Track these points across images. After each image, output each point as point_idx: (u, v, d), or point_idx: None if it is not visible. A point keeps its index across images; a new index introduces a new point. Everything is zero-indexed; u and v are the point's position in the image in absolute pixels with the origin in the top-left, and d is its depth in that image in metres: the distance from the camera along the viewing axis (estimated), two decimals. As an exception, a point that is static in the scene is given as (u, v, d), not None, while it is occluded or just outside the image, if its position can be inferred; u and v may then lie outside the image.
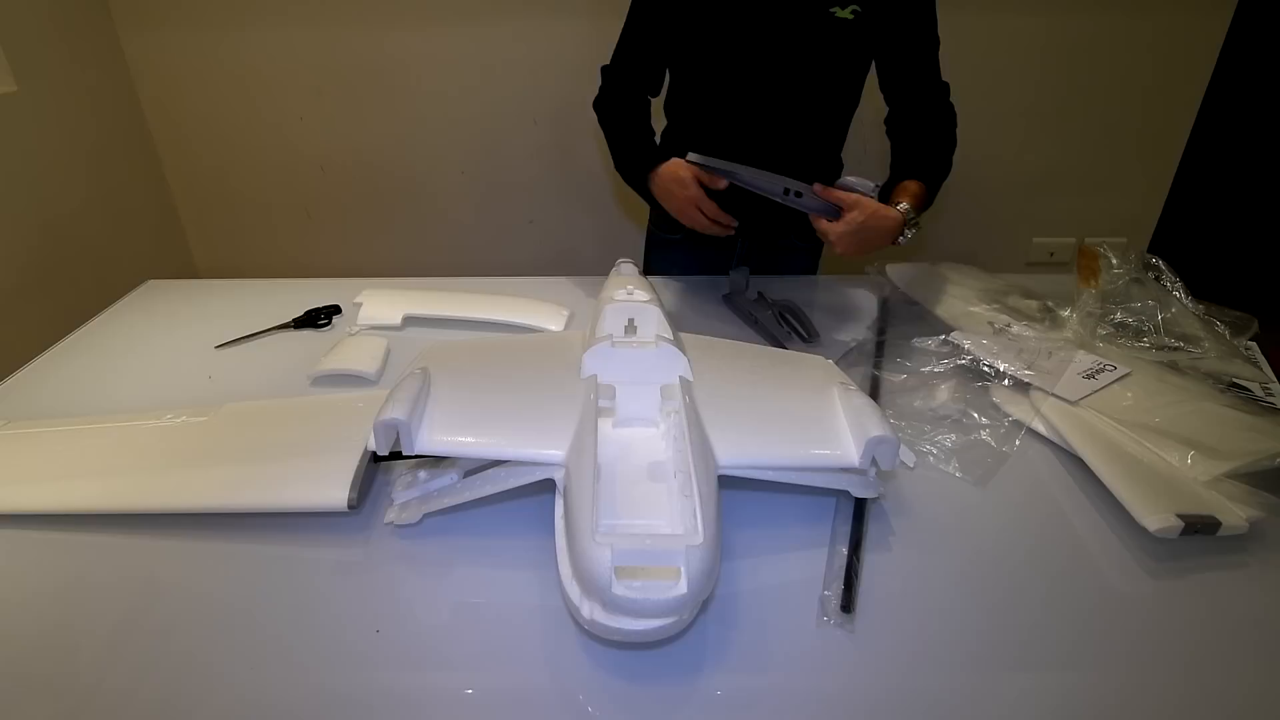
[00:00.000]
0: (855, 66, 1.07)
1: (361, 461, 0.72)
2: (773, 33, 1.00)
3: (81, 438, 0.82)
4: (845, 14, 0.96)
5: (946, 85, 1.10)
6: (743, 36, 1.02)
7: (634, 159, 1.07)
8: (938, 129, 1.09)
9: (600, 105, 1.14)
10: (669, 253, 1.29)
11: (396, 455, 0.66)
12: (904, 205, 0.97)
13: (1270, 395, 0.85)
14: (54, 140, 1.60)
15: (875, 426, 0.65)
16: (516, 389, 0.75)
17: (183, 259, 2.05)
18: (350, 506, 0.68)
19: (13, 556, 0.68)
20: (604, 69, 1.14)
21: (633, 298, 0.82)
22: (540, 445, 0.64)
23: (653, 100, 1.16)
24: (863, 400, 0.70)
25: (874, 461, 0.66)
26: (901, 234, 0.97)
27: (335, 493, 0.68)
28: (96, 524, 0.71)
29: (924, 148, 1.07)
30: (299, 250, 2.06)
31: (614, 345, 0.73)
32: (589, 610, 0.53)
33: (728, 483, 0.65)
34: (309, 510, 0.70)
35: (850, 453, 0.66)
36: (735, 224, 1.01)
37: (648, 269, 1.32)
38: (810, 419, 0.71)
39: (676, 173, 0.98)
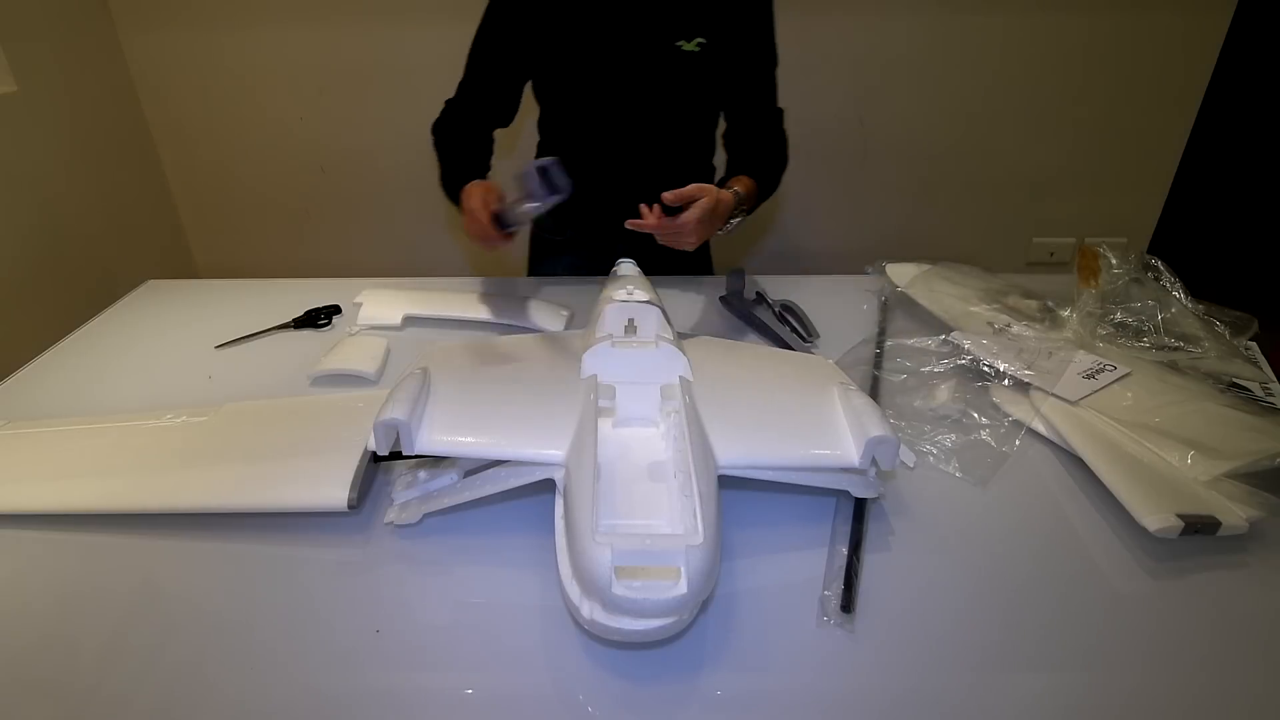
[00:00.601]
0: (705, 94, 1.08)
1: (361, 462, 0.72)
2: (619, 66, 1.01)
3: (81, 438, 0.82)
4: (690, 47, 0.96)
5: (781, 111, 1.14)
6: (590, 70, 1.03)
7: (454, 187, 1.04)
8: (770, 148, 1.12)
9: (437, 130, 1.11)
10: (554, 254, 1.31)
11: (396, 455, 0.66)
12: (736, 189, 0.97)
13: (1270, 395, 0.85)
14: (54, 140, 1.60)
15: (875, 426, 0.65)
16: (516, 389, 0.75)
17: (183, 259, 2.05)
18: (350, 507, 0.68)
19: (13, 557, 0.68)
20: (448, 102, 1.12)
21: (633, 298, 0.83)
22: (540, 445, 0.64)
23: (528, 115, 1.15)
24: (863, 400, 0.70)
25: (874, 462, 0.66)
26: (729, 220, 0.96)
27: (335, 493, 0.69)
28: (96, 524, 0.71)
29: (756, 162, 1.08)
30: (299, 250, 2.06)
31: (614, 345, 0.73)
32: (589, 610, 0.53)
33: (728, 483, 0.65)
34: (309, 510, 0.70)
35: (850, 452, 0.66)
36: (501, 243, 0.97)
37: (533, 271, 1.34)
38: (810, 419, 0.71)
39: (469, 204, 0.95)
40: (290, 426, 0.82)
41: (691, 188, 0.91)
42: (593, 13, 0.95)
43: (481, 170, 1.09)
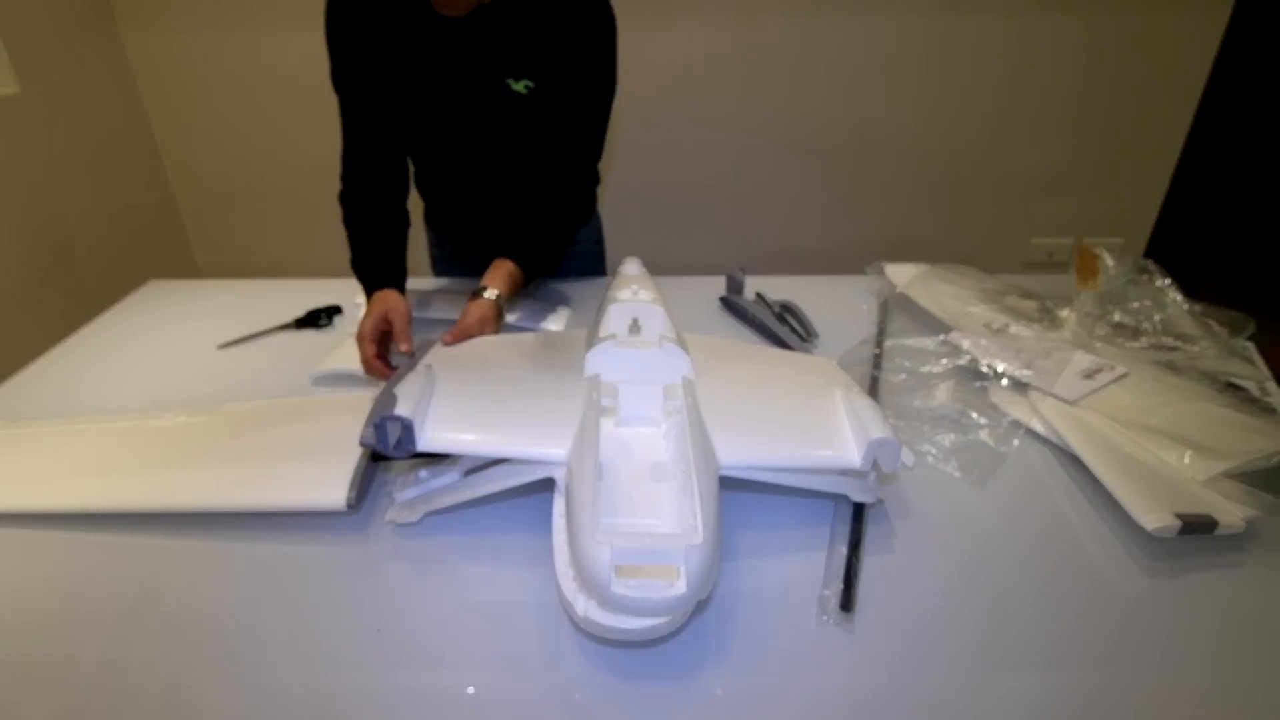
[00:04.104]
0: (537, 135, 1.03)
1: (361, 461, 0.72)
2: (454, 105, 1.00)
3: (82, 438, 0.82)
4: (519, 88, 0.96)
5: (594, 175, 1.11)
6: (429, 111, 1.02)
7: (363, 273, 1.01)
8: (553, 212, 1.06)
9: (343, 202, 1.05)
10: (440, 265, 1.33)
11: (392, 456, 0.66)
12: (492, 292, 0.93)
13: (1267, 395, 0.85)
14: (57, 141, 1.61)
15: (877, 428, 0.65)
16: (520, 387, 0.76)
17: (184, 259, 2.05)
18: (349, 506, 0.69)
19: (13, 557, 0.69)
20: (341, 176, 1.07)
21: (637, 297, 0.83)
22: (542, 444, 0.65)
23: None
24: (865, 402, 0.71)
25: (875, 464, 0.66)
26: (500, 318, 0.94)
27: (334, 493, 0.69)
28: (97, 525, 0.71)
29: (531, 229, 1.03)
30: (300, 250, 2.06)
31: (618, 345, 0.74)
32: (583, 608, 0.53)
33: (728, 483, 0.65)
34: (308, 510, 0.70)
35: (851, 454, 0.66)
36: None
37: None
38: (812, 420, 0.71)
39: (362, 329, 0.91)
40: (290, 426, 0.82)
41: (470, 327, 0.90)
42: (428, 50, 0.94)
43: (392, 249, 1.04)
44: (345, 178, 1.04)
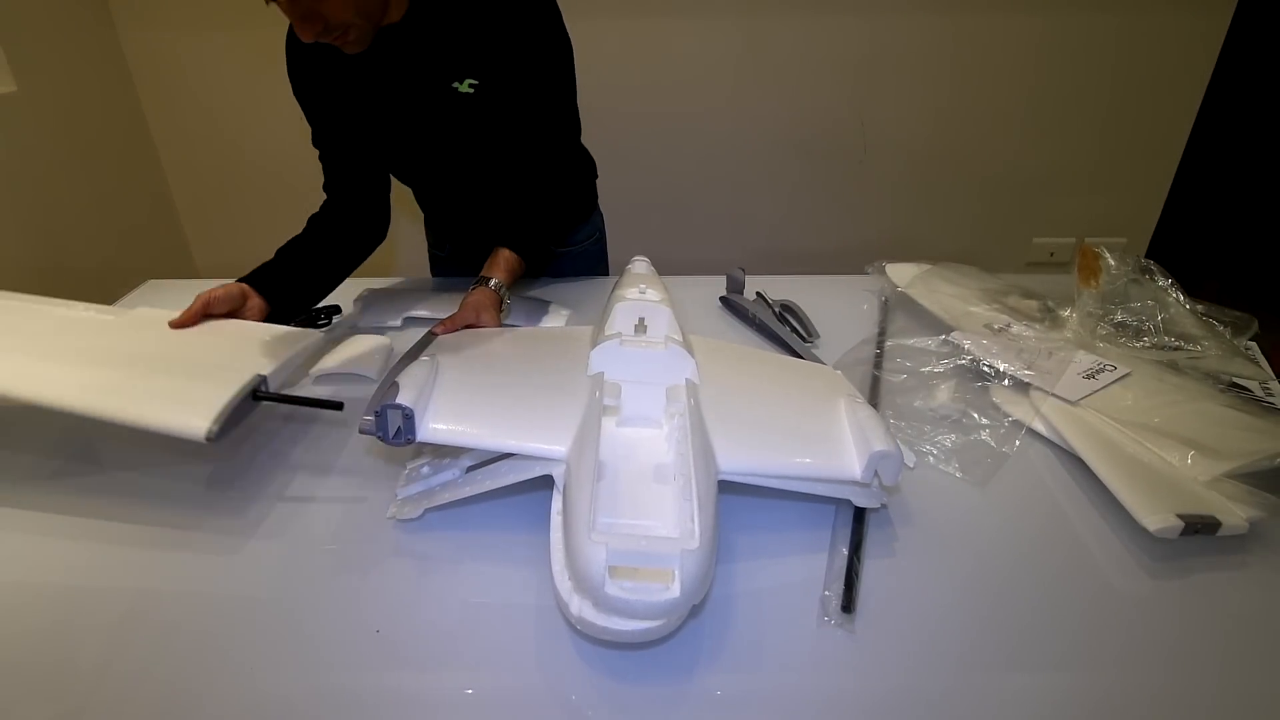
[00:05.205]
0: (488, 134, 1.03)
1: (237, 395, 0.70)
2: (408, 119, 1.00)
3: None
4: (464, 89, 0.95)
5: (580, 152, 1.12)
6: (386, 132, 1.03)
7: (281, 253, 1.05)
8: (542, 194, 1.06)
9: (309, 222, 1.11)
10: (442, 267, 1.36)
11: (275, 397, 0.69)
12: (494, 281, 0.95)
13: (1270, 395, 0.85)
14: (54, 140, 1.60)
15: (879, 441, 0.64)
16: (523, 382, 0.75)
17: (183, 259, 2.05)
18: (208, 439, 0.66)
19: (13, 556, 0.68)
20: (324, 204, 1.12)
21: (645, 297, 0.82)
22: (543, 440, 0.64)
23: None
24: (869, 414, 0.70)
25: (876, 475, 0.66)
26: (500, 305, 0.95)
27: (195, 420, 0.66)
28: (97, 524, 0.71)
29: (523, 214, 1.04)
30: (299, 250, 2.06)
31: (623, 344, 0.73)
32: (578, 607, 0.53)
33: (730, 486, 0.65)
34: (163, 432, 0.68)
35: (853, 466, 0.66)
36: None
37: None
38: (814, 430, 0.70)
39: (213, 292, 0.91)
40: (183, 342, 0.80)
41: (465, 315, 0.91)
42: (371, 74, 0.94)
43: (312, 272, 1.05)
44: (319, 215, 1.10)
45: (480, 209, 1.15)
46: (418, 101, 0.99)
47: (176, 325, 0.86)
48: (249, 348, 0.80)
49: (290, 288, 1.00)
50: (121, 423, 0.68)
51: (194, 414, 0.67)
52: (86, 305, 0.83)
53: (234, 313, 0.91)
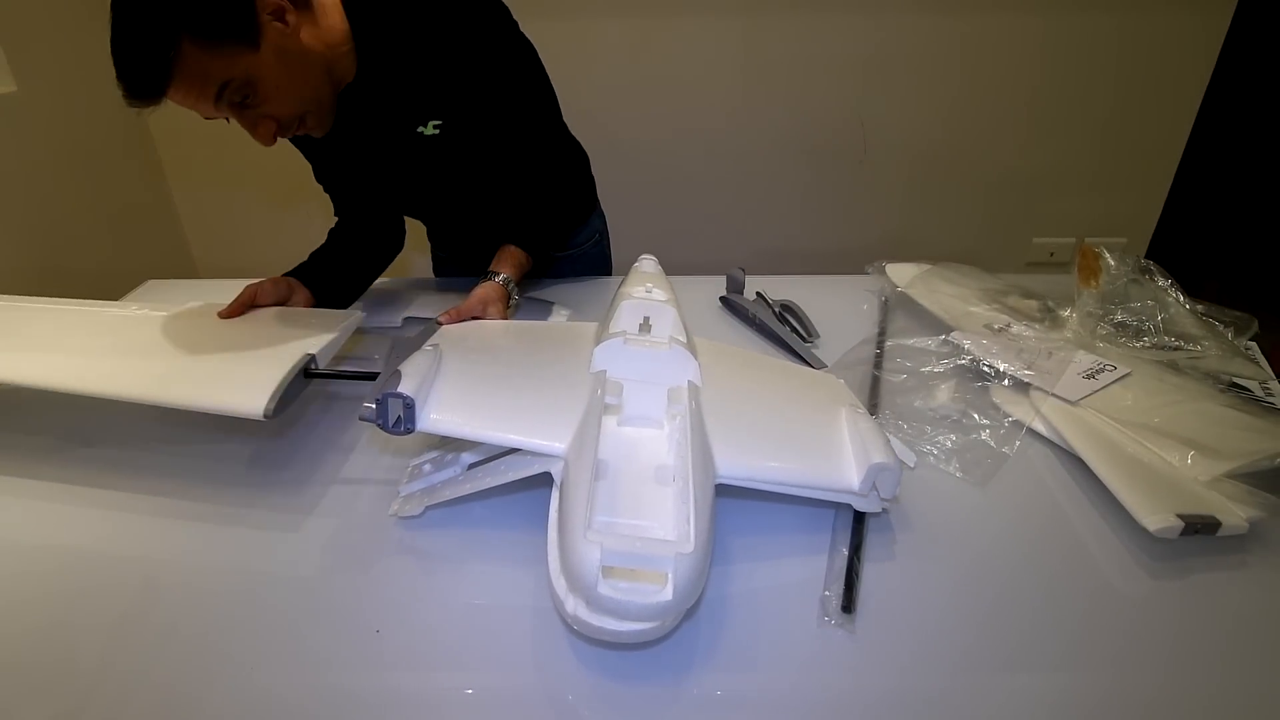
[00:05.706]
0: (456, 172, 1.04)
1: (289, 373, 0.74)
2: (375, 160, 1.02)
3: (44, 316, 0.87)
4: (429, 131, 0.96)
5: (569, 141, 1.13)
6: (356, 168, 1.05)
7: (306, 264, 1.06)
8: (540, 193, 1.07)
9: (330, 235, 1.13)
10: (444, 267, 1.37)
11: (325, 374, 0.72)
12: (502, 276, 0.96)
13: (1270, 395, 0.85)
14: (54, 140, 1.60)
15: (879, 453, 0.64)
16: (525, 376, 0.75)
17: (182, 258, 2.05)
18: (266, 416, 0.70)
19: (14, 556, 0.68)
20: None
21: (651, 296, 0.82)
22: (543, 435, 0.64)
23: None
24: (870, 424, 0.70)
25: (874, 487, 0.66)
26: (509, 300, 0.96)
27: (254, 400, 0.70)
28: (97, 523, 0.71)
29: (524, 215, 1.05)
30: (299, 250, 2.05)
31: (626, 342, 0.73)
32: (573, 606, 0.53)
33: (730, 487, 0.65)
34: (225, 413, 0.72)
35: (851, 477, 0.65)
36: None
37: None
38: (814, 438, 0.70)
39: (263, 285, 0.95)
40: (235, 329, 0.86)
41: (472, 306, 0.91)
42: (339, 119, 0.94)
43: (323, 262, 1.07)
44: (337, 230, 1.13)
45: (475, 225, 1.16)
46: (387, 150, 0.99)
47: (225, 315, 0.90)
48: (296, 331, 0.85)
49: (331, 285, 1.03)
50: (186, 408, 0.73)
51: (253, 394, 0.71)
52: (139, 305, 0.90)
53: (280, 304, 0.95)
